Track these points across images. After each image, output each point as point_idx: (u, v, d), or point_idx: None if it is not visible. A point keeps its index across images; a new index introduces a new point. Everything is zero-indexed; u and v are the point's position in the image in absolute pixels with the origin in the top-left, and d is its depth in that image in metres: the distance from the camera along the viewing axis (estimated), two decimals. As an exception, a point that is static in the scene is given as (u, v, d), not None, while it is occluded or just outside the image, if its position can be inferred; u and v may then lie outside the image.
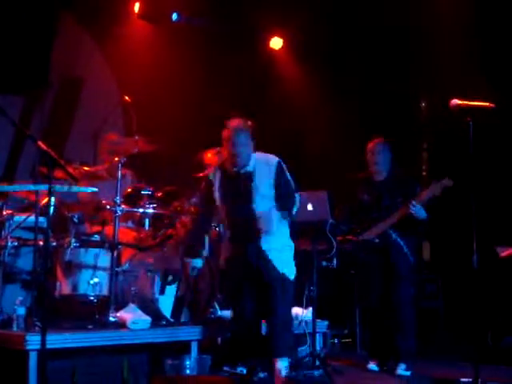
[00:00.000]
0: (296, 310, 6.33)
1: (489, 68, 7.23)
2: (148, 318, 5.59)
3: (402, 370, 5.99)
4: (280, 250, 5.38)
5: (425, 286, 7.59)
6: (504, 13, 7.15)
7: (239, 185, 5.36)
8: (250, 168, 5.37)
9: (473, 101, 4.72)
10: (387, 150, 6.25)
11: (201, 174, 6.86)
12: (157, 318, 5.73)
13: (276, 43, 8.71)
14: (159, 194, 6.37)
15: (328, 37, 8.39)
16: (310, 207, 6.39)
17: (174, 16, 8.10)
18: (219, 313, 6.09)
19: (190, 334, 5.73)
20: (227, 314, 6.17)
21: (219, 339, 5.93)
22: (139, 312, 5.65)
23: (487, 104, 4.66)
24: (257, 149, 5.45)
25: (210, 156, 6.87)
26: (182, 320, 5.88)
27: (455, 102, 4.68)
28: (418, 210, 5.91)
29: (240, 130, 5.33)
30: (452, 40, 7.44)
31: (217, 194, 5.43)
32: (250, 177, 5.35)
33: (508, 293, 6.96)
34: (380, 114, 8.35)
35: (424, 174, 8.86)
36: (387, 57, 8.18)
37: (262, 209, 5.32)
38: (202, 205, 5.70)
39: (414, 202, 5.91)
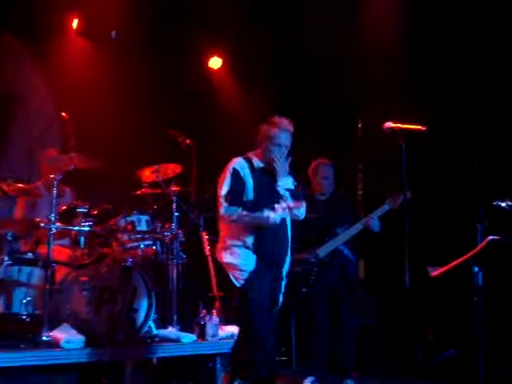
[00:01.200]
0: (232, 329, 6.35)
1: (423, 91, 7.40)
2: (82, 338, 5.53)
3: None
4: None
5: (359, 303, 7.69)
6: (438, 37, 7.33)
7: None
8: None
9: (406, 123, 4.82)
10: (329, 170, 6.42)
11: (138, 192, 6.88)
12: (91, 337, 5.67)
13: (215, 63, 8.75)
14: (95, 212, 6.31)
15: (267, 57, 8.48)
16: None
17: (113, 34, 8.07)
18: (154, 332, 6.07)
19: (125, 353, 5.68)
20: (163, 333, 6.17)
21: (155, 359, 5.90)
22: (73, 331, 5.58)
23: (419, 127, 4.78)
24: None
25: (147, 174, 6.88)
26: (118, 339, 5.83)
27: (388, 124, 4.78)
28: (375, 223, 6.09)
29: (291, 134, 5.10)
30: (388, 62, 7.59)
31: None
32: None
33: (438, 311, 7.12)
34: (317, 134, 8.45)
35: (360, 193, 9.00)
36: (325, 78, 8.29)
37: None
38: None
39: (372, 216, 6.08)
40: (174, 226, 6.59)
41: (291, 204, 4.90)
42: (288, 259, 5.11)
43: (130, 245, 6.26)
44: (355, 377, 6.31)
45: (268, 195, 4.99)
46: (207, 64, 8.74)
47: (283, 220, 5.02)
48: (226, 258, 5.06)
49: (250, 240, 4.95)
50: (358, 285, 8.18)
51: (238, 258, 4.99)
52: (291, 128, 5.06)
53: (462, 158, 7.07)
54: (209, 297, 6.81)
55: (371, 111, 7.93)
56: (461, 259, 4.46)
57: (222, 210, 4.95)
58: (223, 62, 8.76)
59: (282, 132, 5.02)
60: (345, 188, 6.65)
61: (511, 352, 6.24)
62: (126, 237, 6.24)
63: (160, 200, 6.90)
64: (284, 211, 4.86)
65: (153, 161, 6.86)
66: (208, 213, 7.39)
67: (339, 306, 6.23)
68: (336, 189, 6.45)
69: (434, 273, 4.51)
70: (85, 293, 5.82)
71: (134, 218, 6.35)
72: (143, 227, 6.39)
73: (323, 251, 6.19)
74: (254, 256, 4.96)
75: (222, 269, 5.19)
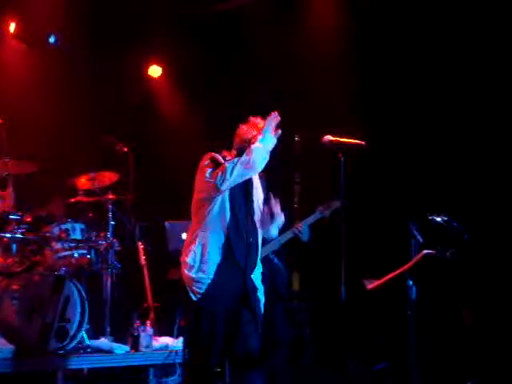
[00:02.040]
0: (166, 340, 6.31)
1: (359, 105, 7.50)
2: (11, 347, 5.41)
3: None
4: None
5: (294, 315, 7.72)
6: (374, 52, 7.44)
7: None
8: None
9: (345, 137, 4.85)
10: (265, 183, 6.42)
11: (73, 200, 6.78)
12: (21, 346, 5.55)
13: (154, 71, 8.70)
14: (28, 219, 6.19)
15: (206, 66, 8.47)
16: (184, 236, 6.42)
17: (51, 38, 7.94)
18: (87, 342, 5.97)
19: (57, 363, 5.58)
20: (96, 343, 6.09)
21: (85, 369, 5.81)
22: (2, 340, 5.47)
23: (358, 142, 4.81)
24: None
25: (83, 181, 6.79)
26: (49, 349, 5.72)
27: (327, 137, 4.79)
28: (304, 231, 6.12)
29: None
30: (325, 76, 7.67)
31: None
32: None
33: (373, 323, 7.20)
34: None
35: (296, 206, 9.05)
36: (263, 89, 8.32)
37: None
38: None
39: (302, 224, 6.11)
40: (109, 234, 6.53)
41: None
42: (258, 266, 4.70)
43: (63, 253, 6.19)
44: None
45: (240, 194, 4.61)
46: (147, 72, 8.67)
47: (253, 228, 4.65)
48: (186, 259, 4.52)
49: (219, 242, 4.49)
50: (291, 295, 8.23)
51: (200, 264, 4.47)
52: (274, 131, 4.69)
53: (398, 172, 7.18)
54: (143, 308, 6.75)
55: (309, 124, 7.99)
56: (396, 272, 4.52)
57: (222, 175, 4.37)
58: (163, 70, 8.71)
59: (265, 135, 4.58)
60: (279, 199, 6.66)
61: (444, 366, 6.35)
62: (59, 245, 6.16)
63: (96, 208, 6.81)
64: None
65: (89, 168, 6.78)
66: (144, 222, 7.34)
67: (270, 316, 6.23)
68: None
69: (370, 286, 4.56)
70: (15, 301, 5.71)
71: (68, 225, 6.27)
72: (78, 235, 6.32)
73: None
74: (219, 261, 4.48)
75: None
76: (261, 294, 4.72)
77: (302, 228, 6.09)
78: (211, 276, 4.45)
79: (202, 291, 4.44)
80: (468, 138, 6.79)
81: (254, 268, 4.66)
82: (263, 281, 5.70)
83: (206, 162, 4.57)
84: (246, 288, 4.56)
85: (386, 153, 7.22)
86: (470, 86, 6.73)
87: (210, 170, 4.49)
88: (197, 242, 4.49)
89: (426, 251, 4.45)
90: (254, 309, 4.61)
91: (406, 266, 4.51)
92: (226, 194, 4.53)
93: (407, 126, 7.26)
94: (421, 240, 4.72)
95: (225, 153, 4.71)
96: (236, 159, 4.46)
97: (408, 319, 4.61)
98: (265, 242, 6.12)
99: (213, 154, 4.63)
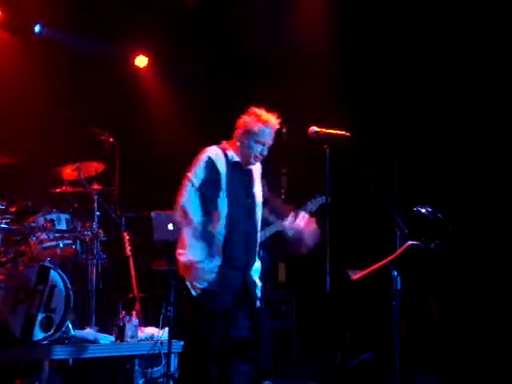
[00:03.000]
0: (152, 330, 6.31)
1: (346, 96, 7.51)
2: (-4, 337, 5.41)
3: None
4: None
5: (279, 306, 7.74)
6: (361, 44, 7.46)
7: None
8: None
9: (331, 128, 4.85)
10: (264, 181, 6.44)
11: (57, 190, 6.76)
12: (6, 336, 5.53)
13: (141, 61, 8.66)
14: (13, 209, 6.15)
15: (193, 57, 8.45)
16: (170, 227, 6.43)
17: (37, 28, 7.89)
18: (72, 333, 5.96)
19: (42, 353, 5.57)
20: (81, 333, 6.08)
21: (70, 360, 5.81)
22: (-13, 331, 5.45)
23: (343, 133, 4.81)
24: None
25: (68, 171, 6.76)
26: (33, 339, 5.71)
27: (313, 129, 4.79)
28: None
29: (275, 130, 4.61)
30: (312, 67, 7.68)
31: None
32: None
33: (358, 315, 7.24)
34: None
35: (283, 197, 9.06)
36: (250, 80, 8.32)
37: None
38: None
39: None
40: (94, 225, 6.51)
41: None
42: (256, 262, 4.74)
43: (48, 244, 6.16)
44: (272, 379, 6.33)
45: (240, 190, 4.59)
46: (133, 62, 8.64)
47: (253, 225, 4.69)
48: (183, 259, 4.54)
49: (219, 241, 4.49)
50: (276, 287, 8.26)
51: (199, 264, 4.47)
52: (277, 125, 4.64)
53: (383, 163, 7.21)
54: (129, 298, 6.74)
55: (295, 115, 8.00)
56: (380, 263, 4.54)
57: (182, 199, 4.43)
58: (149, 60, 8.67)
59: (268, 129, 4.57)
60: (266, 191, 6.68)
61: (427, 357, 6.39)
62: (44, 235, 6.13)
63: (81, 199, 6.79)
64: None
65: (75, 158, 6.75)
66: (129, 213, 7.33)
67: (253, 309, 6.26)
68: None
69: (355, 276, 4.58)
70: (0, 291, 5.67)
71: (53, 216, 6.25)
72: (63, 226, 6.31)
73: None
74: (220, 261, 4.50)
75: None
76: (259, 290, 4.74)
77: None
78: (212, 274, 4.46)
79: (202, 287, 4.46)
80: (452, 129, 6.83)
81: (253, 265, 4.69)
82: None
83: (201, 162, 4.51)
84: (247, 285, 4.61)
85: (371, 144, 7.24)
86: (454, 76, 6.76)
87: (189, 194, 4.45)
88: (196, 239, 4.47)
89: (410, 242, 4.48)
90: (253, 305, 4.65)
91: (390, 257, 4.54)
92: (224, 194, 4.51)
93: (393, 117, 7.29)
94: (406, 231, 4.74)
95: (225, 145, 4.67)
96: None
97: (393, 309, 4.63)
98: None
99: (208, 152, 4.55)
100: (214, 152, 4.57)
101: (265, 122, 4.57)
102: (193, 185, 4.48)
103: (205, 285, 4.47)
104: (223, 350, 4.57)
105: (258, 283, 4.72)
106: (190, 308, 4.56)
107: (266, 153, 4.66)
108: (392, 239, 4.75)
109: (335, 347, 6.96)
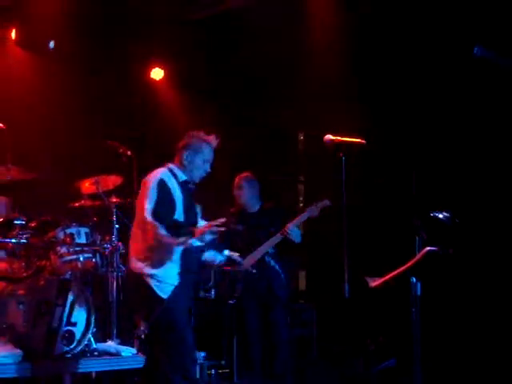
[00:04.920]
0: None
1: (364, 105, 7.51)
2: (18, 352, 5.43)
3: None
4: None
5: (300, 315, 7.74)
6: (379, 52, 7.44)
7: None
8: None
9: (347, 136, 4.87)
10: (252, 185, 6.46)
11: (76, 204, 6.80)
12: (28, 351, 5.57)
13: (157, 74, 8.71)
14: (33, 224, 6.20)
15: (209, 69, 8.49)
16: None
17: (51, 44, 7.97)
18: (94, 346, 5.99)
19: (64, 367, 5.60)
20: (103, 346, 6.11)
21: (94, 372, 5.83)
22: (9, 345, 5.48)
23: (358, 140, 4.83)
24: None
25: (87, 185, 6.81)
26: (56, 353, 5.74)
27: (328, 137, 4.81)
28: (294, 232, 6.15)
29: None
30: (329, 75, 7.67)
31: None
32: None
33: (378, 322, 7.21)
34: (259, 147, 8.51)
35: (301, 205, 9.07)
36: (266, 89, 8.34)
37: None
38: None
39: (290, 226, 6.14)
40: (114, 238, 6.54)
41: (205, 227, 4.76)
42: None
43: (68, 257, 6.18)
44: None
45: (191, 209, 5.01)
46: (149, 75, 8.69)
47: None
48: (148, 269, 4.82)
49: (177, 254, 4.83)
50: (297, 295, 8.27)
51: (163, 271, 4.82)
52: (215, 144, 5.06)
53: (401, 169, 7.19)
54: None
55: (312, 124, 8.01)
56: (399, 270, 4.53)
57: (155, 230, 4.74)
58: (165, 73, 8.72)
59: (210, 147, 5.02)
60: (275, 200, 6.72)
61: (448, 363, 6.36)
62: (64, 249, 6.16)
63: (100, 212, 6.83)
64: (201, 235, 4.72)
65: (93, 172, 6.79)
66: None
67: (271, 317, 6.30)
68: (266, 202, 6.53)
69: (373, 283, 4.57)
70: (22, 306, 5.73)
71: (73, 230, 6.28)
72: (82, 239, 6.33)
73: (247, 262, 6.21)
74: (179, 270, 4.86)
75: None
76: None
77: (290, 230, 6.14)
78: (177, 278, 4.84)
79: (169, 291, 4.80)
80: (471, 134, 6.80)
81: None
82: (261, 283, 6.11)
83: (151, 186, 4.85)
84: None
85: (390, 150, 7.23)
86: (474, 81, 6.72)
87: (153, 219, 4.75)
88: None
89: (429, 248, 4.46)
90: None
91: (409, 264, 4.52)
92: (180, 210, 4.86)
93: (410, 124, 7.27)
94: (424, 237, 4.72)
95: (170, 165, 5.04)
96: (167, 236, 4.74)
97: (412, 316, 4.61)
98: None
99: (159, 175, 4.92)
100: (164, 173, 4.93)
101: (208, 142, 5.00)
102: (153, 216, 4.76)
103: (171, 290, 4.83)
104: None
105: None
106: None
107: (209, 170, 5.03)
108: (411, 245, 4.73)
109: (357, 354, 6.94)
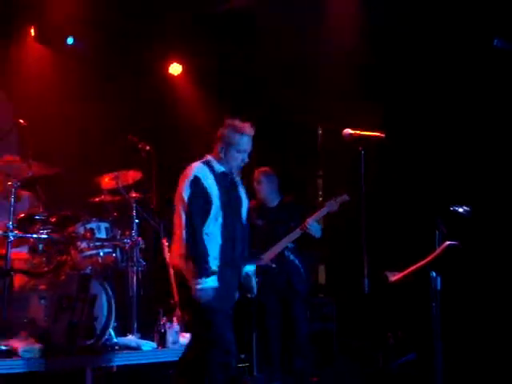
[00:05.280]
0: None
1: (383, 98, 7.48)
2: (40, 346, 5.48)
3: None
4: None
5: (320, 309, 7.73)
6: (397, 44, 7.40)
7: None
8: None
9: (365, 130, 4.85)
10: (271, 180, 6.47)
11: (96, 199, 6.84)
12: (49, 345, 5.61)
13: (175, 69, 8.72)
14: (54, 219, 6.24)
15: (226, 64, 8.49)
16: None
17: (70, 40, 8.01)
18: (114, 340, 6.02)
19: (85, 361, 5.64)
20: (123, 340, 6.14)
21: (115, 366, 5.86)
22: (31, 340, 5.53)
23: (377, 134, 4.81)
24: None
25: (107, 180, 6.84)
26: (77, 347, 5.77)
27: (347, 131, 4.80)
28: (313, 227, 6.14)
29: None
30: (347, 68, 7.64)
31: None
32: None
33: (398, 315, 7.19)
34: (278, 140, 8.50)
35: (321, 199, 9.06)
36: (285, 83, 8.33)
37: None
38: None
39: (309, 221, 6.14)
40: (133, 232, 6.57)
41: None
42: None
43: (89, 252, 6.23)
44: (315, 382, 6.35)
45: (232, 202, 4.86)
46: (167, 70, 8.70)
47: (243, 229, 4.91)
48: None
49: (215, 249, 4.74)
50: (317, 290, 8.26)
51: None
52: (253, 132, 4.89)
53: (421, 163, 7.15)
54: (169, 304, 6.78)
55: (331, 117, 7.99)
56: (419, 264, 4.52)
57: (183, 233, 4.68)
58: (183, 68, 8.73)
59: (245, 137, 4.84)
60: (294, 194, 6.71)
61: (470, 356, 6.33)
62: (85, 244, 6.21)
63: (120, 207, 6.86)
64: None
65: (112, 167, 6.82)
66: (168, 219, 7.37)
67: (291, 312, 6.30)
68: (286, 196, 6.53)
69: (393, 278, 4.56)
70: (43, 301, 5.76)
71: (93, 225, 6.32)
72: (103, 234, 6.36)
73: (267, 256, 6.22)
74: (218, 263, 4.74)
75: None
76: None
77: (310, 224, 6.14)
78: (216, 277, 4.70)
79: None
80: (492, 127, 6.75)
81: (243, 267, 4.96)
82: (281, 278, 6.00)
83: (187, 182, 4.75)
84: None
85: (409, 144, 7.20)
86: (494, 73, 6.66)
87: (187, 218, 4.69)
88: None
89: (448, 242, 4.45)
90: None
91: (429, 258, 4.51)
92: (217, 204, 4.75)
93: (430, 116, 7.23)
94: (444, 231, 4.71)
95: (209, 157, 4.93)
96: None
97: (432, 310, 4.60)
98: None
99: (194, 170, 4.79)
100: (199, 169, 4.82)
101: (242, 131, 4.83)
102: (192, 204, 4.70)
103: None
104: None
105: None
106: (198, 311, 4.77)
107: (247, 160, 4.89)
108: (431, 240, 4.71)
109: (377, 349, 6.93)
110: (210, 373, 4.71)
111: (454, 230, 4.64)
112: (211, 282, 4.65)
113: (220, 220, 4.76)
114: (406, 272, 4.53)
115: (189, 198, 4.71)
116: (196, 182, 4.73)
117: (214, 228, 4.74)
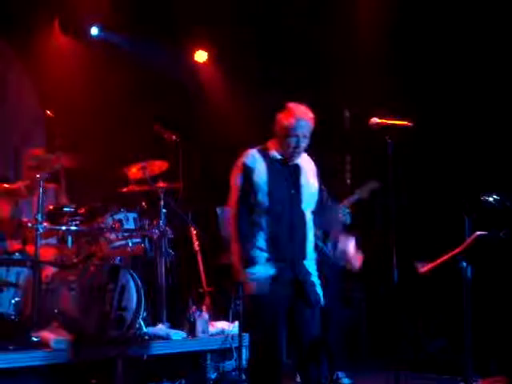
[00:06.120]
0: (222, 325, 6.37)
1: (409, 85, 7.40)
2: (71, 337, 5.53)
3: (344, 378, 6.21)
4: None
5: (350, 295, 7.71)
6: (424, 32, 7.32)
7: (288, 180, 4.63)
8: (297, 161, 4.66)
9: (392, 119, 4.80)
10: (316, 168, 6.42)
11: (124, 189, 6.86)
12: (80, 336, 5.65)
13: (201, 56, 8.69)
14: (82, 211, 6.27)
15: (253, 49, 8.44)
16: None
17: (94, 30, 8.02)
18: (144, 330, 6.06)
19: (116, 351, 5.68)
20: (153, 330, 6.17)
21: (145, 356, 5.90)
22: (62, 331, 5.58)
23: (405, 123, 4.75)
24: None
25: (134, 171, 6.85)
26: (107, 338, 5.82)
27: (374, 120, 4.75)
28: (343, 213, 6.11)
29: (311, 122, 4.59)
30: (374, 51, 7.58)
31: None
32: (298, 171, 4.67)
33: (428, 304, 7.15)
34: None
35: (348, 181, 9.02)
36: (311, 68, 8.27)
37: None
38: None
39: (340, 207, 6.10)
40: (161, 222, 6.57)
41: None
42: (309, 259, 4.68)
43: (117, 243, 6.26)
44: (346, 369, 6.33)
45: (285, 189, 4.57)
46: (193, 58, 8.67)
47: (299, 217, 4.62)
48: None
49: (261, 240, 4.53)
50: (345, 277, 8.21)
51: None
52: (309, 115, 4.58)
53: (451, 152, 7.08)
54: (198, 293, 6.81)
55: (358, 102, 7.94)
56: (449, 255, 4.48)
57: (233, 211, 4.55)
58: (209, 55, 8.69)
59: (299, 121, 4.52)
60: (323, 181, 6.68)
61: (499, 345, 6.28)
62: (113, 235, 6.23)
63: (147, 197, 6.87)
64: None
65: (139, 158, 6.83)
66: (195, 209, 7.39)
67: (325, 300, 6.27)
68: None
69: (423, 269, 4.53)
70: (73, 292, 5.81)
71: (121, 215, 6.34)
72: (131, 225, 6.38)
73: None
74: (267, 256, 4.51)
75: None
76: (315, 279, 4.69)
77: (341, 211, 6.08)
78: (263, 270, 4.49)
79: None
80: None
81: (303, 259, 4.64)
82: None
83: (237, 170, 4.60)
84: (298, 279, 4.56)
85: (438, 133, 7.12)
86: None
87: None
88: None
89: (479, 232, 4.40)
90: (309, 297, 4.59)
91: (459, 248, 4.47)
92: (265, 193, 4.52)
93: (460, 103, 7.15)
94: (474, 218, 4.66)
95: (269, 144, 4.68)
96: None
97: (463, 299, 4.57)
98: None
99: (244, 158, 4.60)
100: (249, 156, 4.60)
101: (295, 115, 4.53)
102: (238, 191, 4.55)
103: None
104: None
105: (314, 273, 4.71)
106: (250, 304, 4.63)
107: (303, 144, 4.57)
108: (461, 229, 4.66)
109: (407, 337, 6.90)
110: (253, 372, 4.67)
111: (484, 219, 4.60)
112: (256, 273, 4.46)
113: (269, 208, 4.51)
114: (435, 263, 4.50)
115: (235, 186, 4.57)
116: (243, 169, 4.57)
117: (261, 218, 4.51)
